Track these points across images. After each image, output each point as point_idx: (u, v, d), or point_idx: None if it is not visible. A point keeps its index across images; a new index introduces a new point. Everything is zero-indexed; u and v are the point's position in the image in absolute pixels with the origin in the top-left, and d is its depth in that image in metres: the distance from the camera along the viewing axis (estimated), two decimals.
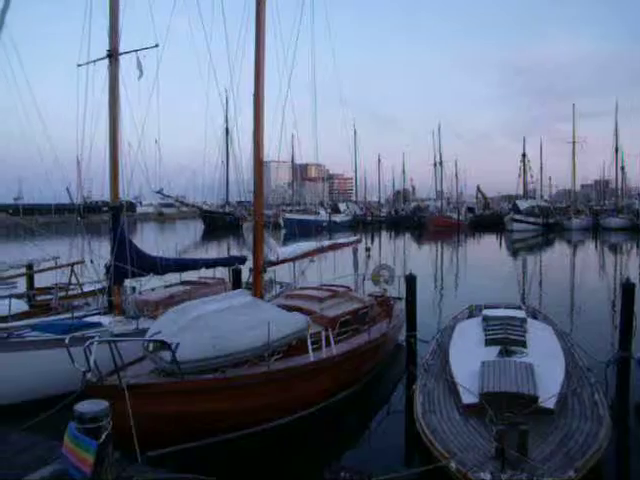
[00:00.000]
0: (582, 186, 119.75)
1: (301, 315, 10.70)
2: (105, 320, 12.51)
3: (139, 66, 14.17)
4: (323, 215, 77.55)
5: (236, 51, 12.92)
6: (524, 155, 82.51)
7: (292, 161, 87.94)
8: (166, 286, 17.00)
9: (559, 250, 49.74)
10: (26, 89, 13.54)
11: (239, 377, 8.81)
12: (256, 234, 12.77)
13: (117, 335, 10.24)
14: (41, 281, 17.77)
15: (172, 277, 17.05)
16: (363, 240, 20.84)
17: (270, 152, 13.54)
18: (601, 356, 11.16)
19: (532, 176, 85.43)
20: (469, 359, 9.51)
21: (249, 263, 15.25)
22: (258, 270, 12.72)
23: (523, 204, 72.93)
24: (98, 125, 13.98)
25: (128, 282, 14.62)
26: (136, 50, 14.11)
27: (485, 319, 11.78)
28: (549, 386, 8.28)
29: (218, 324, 9.14)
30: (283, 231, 54.10)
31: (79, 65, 14.05)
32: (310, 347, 9.96)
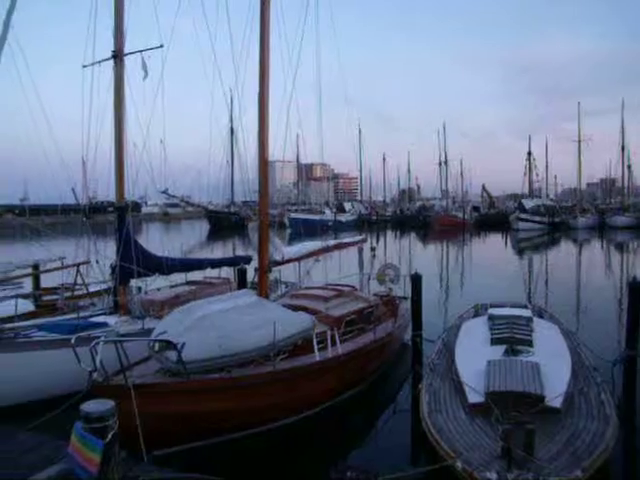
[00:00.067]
0: (588, 185, 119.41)
1: (306, 315, 10.69)
2: (111, 320, 12.55)
3: (144, 67, 14.21)
4: (328, 215, 77.43)
5: (241, 51, 12.98)
6: (529, 154, 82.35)
7: (297, 161, 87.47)
8: (171, 286, 17.03)
9: (565, 249, 49.60)
10: (32, 90, 13.58)
11: (245, 377, 8.81)
12: (261, 234, 12.78)
13: (123, 335, 10.25)
14: (47, 281, 17.83)
15: (177, 277, 17.08)
16: (368, 240, 20.84)
17: (275, 152, 13.52)
18: (608, 355, 11.10)
19: (538, 175, 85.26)
20: (475, 358, 9.48)
21: (254, 263, 15.24)
22: (263, 270, 12.73)
23: (529, 203, 72.74)
24: (103, 126, 14.03)
25: (134, 282, 14.66)
26: (141, 51, 14.17)
27: (491, 318, 11.74)
28: (555, 385, 8.25)
29: (224, 324, 9.14)
30: (288, 231, 54.02)
31: (84, 66, 14.09)
32: (316, 347, 9.95)
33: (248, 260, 17.39)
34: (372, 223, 78.37)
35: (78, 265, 15.66)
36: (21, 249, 28.92)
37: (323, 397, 10.09)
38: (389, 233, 69.90)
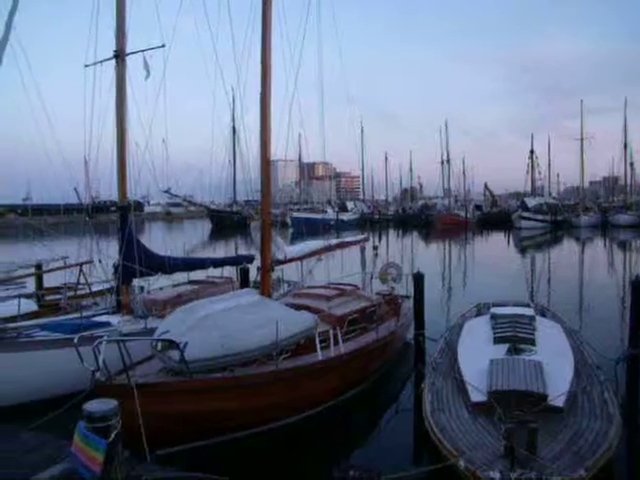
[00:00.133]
0: (591, 183, 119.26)
1: (309, 314, 10.69)
2: (114, 319, 12.57)
3: (146, 66, 14.23)
4: (330, 214, 77.59)
5: (242, 50, 12.94)
6: (532, 152, 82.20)
7: (299, 160, 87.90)
8: (174, 285, 17.04)
9: (567, 247, 49.55)
10: (34, 90, 13.60)
11: (247, 376, 8.81)
12: (263, 233, 12.78)
13: (126, 334, 10.25)
14: (50, 281, 17.86)
15: (180, 276, 17.09)
16: (371, 238, 20.79)
17: (277, 151, 13.53)
18: (611, 354, 11.09)
19: (540, 173, 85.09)
20: (478, 357, 9.47)
21: (257, 262, 15.27)
22: (266, 269, 12.73)
23: (531, 201, 72.62)
24: (105, 125, 14.07)
25: (136, 281, 14.68)
26: (143, 50, 14.19)
27: (493, 317, 11.73)
28: (558, 384, 8.23)
29: (226, 323, 9.14)
30: (290, 230, 54.15)
31: (86, 66, 14.12)
32: (318, 346, 9.95)
33: (250, 259, 17.40)
34: (374, 222, 78.38)
35: (81, 265, 15.67)
36: (24, 249, 29.01)
37: (326, 396, 10.09)
38: (391, 232, 69.86)
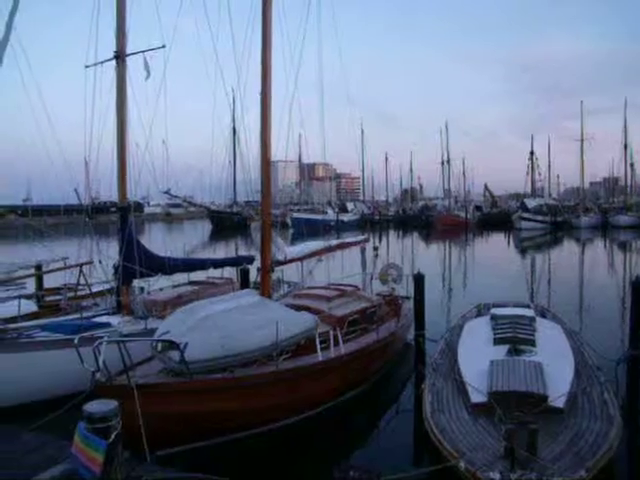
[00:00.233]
0: (591, 184, 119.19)
1: (309, 314, 10.69)
2: (114, 320, 12.57)
3: (146, 67, 14.23)
4: (331, 214, 77.55)
5: (243, 51, 12.96)
6: (532, 153, 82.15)
7: (299, 160, 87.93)
8: (174, 286, 17.04)
9: (568, 248, 49.54)
10: (34, 91, 13.60)
11: (248, 377, 8.82)
12: (264, 234, 12.79)
13: (126, 335, 10.25)
14: (50, 282, 17.86)
15: (180, 277, 17.09)
16: (371, 239, 20.82)
17: (277, 152, 13.55)
18: (611, 355, 11.09)
19: (540, 174, 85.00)
20: (478, 358, 9.47)
21: (257, 263, 15.28)
22: (266, 270, 12.73)
23: (531, 202, 72.64)
24: (106, 126, 14.08)
25: (136, 282, 14.68)
26: (143, 51, 14.19)
27: (494, 318, 11.73)
28: (558, 385, 8.23)
29: (226, 324, 9.14)
30: (291, 231, 54.16)
31: (86, 66, 14.13)
32: (318, 346, 9.96)
33: (251, 260, 17.41)
34: (374, 223, 78.38)
35: (81, 265, 15.68)
36: (24, 250, 28.99)
37: (326, 397, 10.09)
38: (392, 233, 69.87)
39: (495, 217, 79.69)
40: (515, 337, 10.19)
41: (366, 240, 18.32)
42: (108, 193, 18.43)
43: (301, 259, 14.77)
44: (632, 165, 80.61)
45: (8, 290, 15.09)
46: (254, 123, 13.29)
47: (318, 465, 8.52)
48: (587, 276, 29.91)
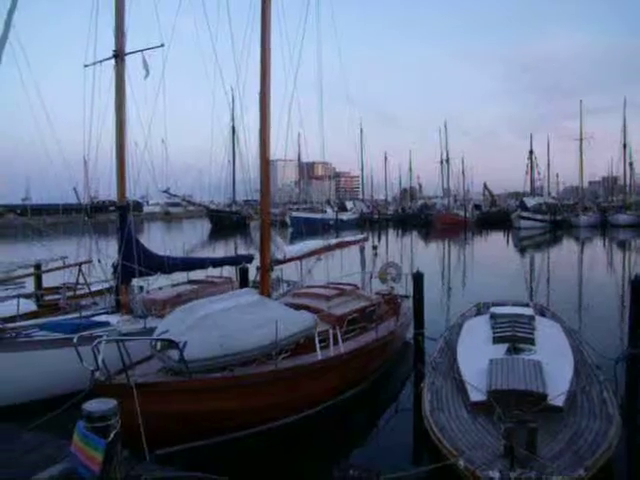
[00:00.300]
0: (590, 183, 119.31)
1: (308, 313, 10.69)
2: (113, 319, 12.56)
3: (145, 66, 14.22)
4: (330, 213, 77.54)
5: (242, 50, 12.96)
6: (531, 152, 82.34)
7: (299, 159, 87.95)
8: (173, 285, 17.03)
9: (567, 247, 49.58)
10: (33, 90, 13.58)
11: (247, 376, 8.81)
12: (263, 233, 12.78)
13: (125, 334, 10.24)
14: (49, 281, 17.85)
15: (179, 276, 17.08)
16: (370, 238, 20.81)
17: (277, 151, 13.53)
18: (610, 353, 11.09)
19: (539, 173, 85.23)
20: (477, 357, 9.48)
21: (256, 262, 15.27)
22: (265, 269, 12.72)
23: (530, 201, 72.65)
24: (105, 125, 14.07)
25: (135, 281, 14.67)
26: (142, 50, 14.17)
27: (493, 317, 11.74)
28: (558, 384, 8.23)
29: (225, 323, 9.14)
30: (290, 230, 54.06)
31: (85, 65, 14.11)
32: (318, 345, 9.95)
33: (250, 259, 17.39)
34: (374, 222, 78.30)
35: (80, 264, 15.67)
36: (23, 249, 28.96)
37: (325, 396, 10.09)
38: (391, 232, 69.89)
39: (494, 216, 79.67)
40: (514, 336, 10.19)
41: (365, 239, 18.31)
42: (107, 192, 18.38)
43: (300, 258, 14.77)
44: (631, 164, 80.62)
45: (7, 289, 15.08)
46: (253, 122, 13.32)
47: (317, 464, 8.52)
48: (586, 275, 29.95)
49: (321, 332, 10.33)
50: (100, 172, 15.65)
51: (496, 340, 10.26)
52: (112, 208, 18.42)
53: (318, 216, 68.14)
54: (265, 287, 12.67)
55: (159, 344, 8.76)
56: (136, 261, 13.42)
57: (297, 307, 11.41)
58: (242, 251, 29.71)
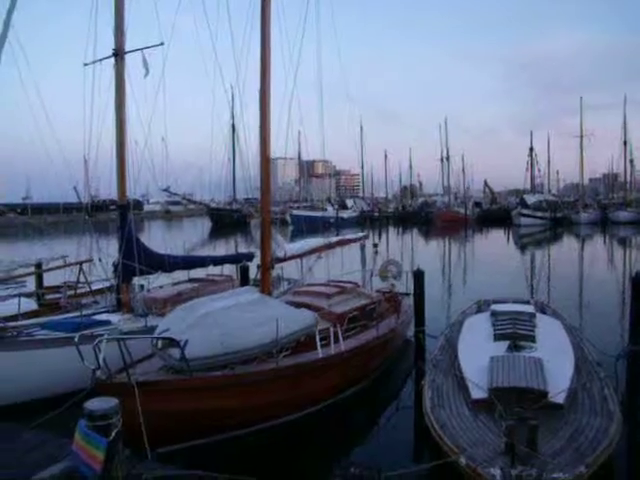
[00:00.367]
0: (590, 180, 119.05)
1: (309, 311, 10.70)
2: (114, 318, 12.57)
3: (145, 64, 14.20)
4: (330, 211, 77.50)
5: (241, 48, 12.94)
6: (531, 149, 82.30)
7: (299, 158, 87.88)
8: (174, 284, 17.02)
9: (567, 244, 49.54)
10: (33, 89, 13.58)
11: (248, 374, 8.82)
12: (263, 231, 12.78)
13: (126, 333, 10.25)
14: (50, 280, 17.85)
15: (180, 275, 17.08)
16: (370, 236, 20.79)
17: (277, 149, 13.54)
18: (611, 350, 11.10)
19: (540, 170, 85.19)
20: (478, 354, 9.48)
21: (257, 260, 15.27)
22: (266, 267, 12.72)
23: (531, 198, 72.56)
24: (105, 124, 14.04)
25: (136, 280, 14.66)
26: (142, 48, 14.15)
27: (494, 314, 11.74)
28: (559, 381, 8.23)
29: (226, 321, 9.15)
30: (290, 228, 54.11)
31: (85, 64, 14.08)
32: (318, 343, 9.95)
33: (250, 257, 17.40)
34: (374, 220, 78.33)
35: (81, 263, 15.68)
36: (24, 248, 29.00)
37: (326, 394, 10.09)
38: (391, 229, 69.88)
39: (494, 213, 79.64)
40: (515, 333, 10.19)
41: (366, 237, 18.32)
42: (107, 191, 18.37)
43: (301, 256, 14.77)
44: (632, 161, 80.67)
45: (8, 288, 15.11)
46: (253, 120, 13.30)
47: (318, 462, 8.51)
48: (587, 272, 29.94)
49: (322, 330, 10.33)
50: (100, 171, 15.65)
51: (497, 337, 10.26)
52: (112, 207, 18.40)
53: (318, 214, 68.25)
54: (266, 285, 12.67)
55: (160, 343, 8.78)
56: (137, 260, 13.41)
57: (298, 305, 11.40)
58: (243, 249, 29.78)
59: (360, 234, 18.51)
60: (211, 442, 8.32)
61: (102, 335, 8.38)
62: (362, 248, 17.22)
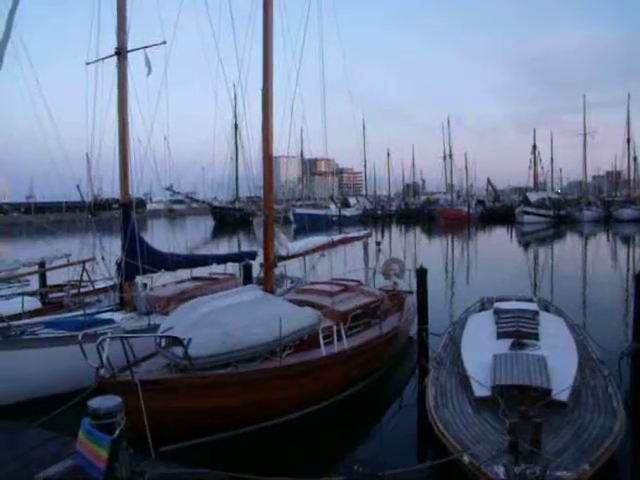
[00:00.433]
0: (594, 177, 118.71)
1: (312, 310, 10.70)
2: (117, 317, 12.58)
3: (147, 63, 14.21)
4: (333, 209, 77.58)
5: (244, 46, 12.91)
6: (534, 147, 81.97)
7: (301, 156, 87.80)
8: (177, 282, 16.99)
9: (570, 242, 49.48)
10: (36, 88, 13.60)
11: (251, 372, 8.83)
12: (266, 229, 12.76)
13: (129, 331, 10.28)
14: (53, 279, 17.86)
15: (183, 273, 17.07)
16: (373, 234, 20.73)
17: (279, 147, 13.53)
18: (614, 348, 11.07)
19: (543, 168, 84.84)
20: (481, 352, 9.47)
21: (260, 258, 15.24)
22: (269, 265, 12.71)
23: (534, 196, 72.47)
24: (107, 123, 14.05)
25: (139, 278, 14.66)
26: (144, 47, 14.13)
27: (497, 312, 11.72)
28: (562, 379, 8.22)
29: (229, 320, 9.16)
30: (293, 226, 54.02)
31: (87, 63, 14.09)
32: (322, 342, 9.96)
33: (253, 256, 17.38)
34: (377, 218, 78.24)
35: (84, 262, 15.70)
36: (27, 247, 29.06)
37: (329, 392, 10.09)
38: (394, 227, 69.82)
39: (498, 211, 79.57)
40: (518, 331, 10.18)
41: (368, 235, 18.28)
42: (110, 190, 18.37)
43: (304, 254, 14.74)
44: (635, 159, 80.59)
45: (11, 287, 15.17)
46: (256, 119, 13.27)
47: (322, 460, 8.53)
48: (590, 270, 29.91)
49: (325, 328, 10.34)
50: (103, 170, 15.65)
51: (500, 335, 10.25)
52: (115, 206, 18.40)
53: (321, 212, 68.23)
54: (269, 284, 12.66)
55: (163, 341, 8.79)
56: (140, 258, 13.41)
57: (301, 303, 11.39)
58: (245, 248, 29.77)
59: (363, 232, 18.48)
60: (215, 440, 8.32)
61: (105, 334, 8.39)
62: (365, 246, 17.21)
